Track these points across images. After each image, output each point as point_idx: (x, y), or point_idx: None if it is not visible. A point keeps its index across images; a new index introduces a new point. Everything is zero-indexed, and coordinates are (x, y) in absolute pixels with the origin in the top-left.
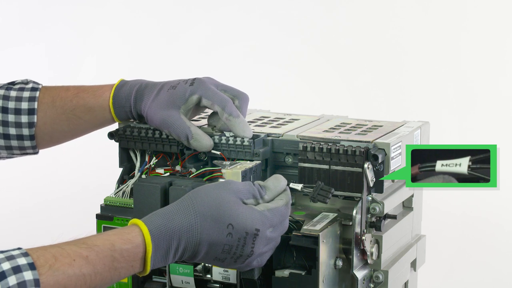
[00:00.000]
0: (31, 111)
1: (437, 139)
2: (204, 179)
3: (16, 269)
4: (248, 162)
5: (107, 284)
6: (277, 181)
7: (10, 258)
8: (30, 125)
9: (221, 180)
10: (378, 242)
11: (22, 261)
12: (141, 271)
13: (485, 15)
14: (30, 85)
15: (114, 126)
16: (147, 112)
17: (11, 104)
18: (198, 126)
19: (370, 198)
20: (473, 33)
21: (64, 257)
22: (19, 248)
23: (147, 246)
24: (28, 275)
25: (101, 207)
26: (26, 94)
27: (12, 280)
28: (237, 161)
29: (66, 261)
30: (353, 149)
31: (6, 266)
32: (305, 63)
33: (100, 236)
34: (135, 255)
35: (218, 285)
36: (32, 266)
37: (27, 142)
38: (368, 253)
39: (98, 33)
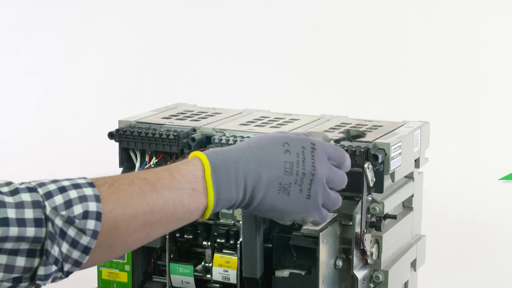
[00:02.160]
0: None
1: (437, 139)
2: None
3: (76, 186)
4: None
5: (171, 212)
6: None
7: (69, 179)
8: None
9: None
10: (378, 242)
11: (81, 180)
12: (205, 206)
13: (485, 15)
14: None
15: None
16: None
17: None
18: (199, 128)
19: (370, 198)
20: (473, 33)
21: (122, 179)
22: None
23: (205, 164)
24: (88, 191)
25: None
26: None
27: (73, 193)
28: None
29: (125, 181)
30: (353, 149)
31: (66, 183)
32: (305, 63)
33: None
34: (195, 175)
35: (218, 285)
36: (91, 185)
37: None
38: (368, 253)
39: (98, 33)
